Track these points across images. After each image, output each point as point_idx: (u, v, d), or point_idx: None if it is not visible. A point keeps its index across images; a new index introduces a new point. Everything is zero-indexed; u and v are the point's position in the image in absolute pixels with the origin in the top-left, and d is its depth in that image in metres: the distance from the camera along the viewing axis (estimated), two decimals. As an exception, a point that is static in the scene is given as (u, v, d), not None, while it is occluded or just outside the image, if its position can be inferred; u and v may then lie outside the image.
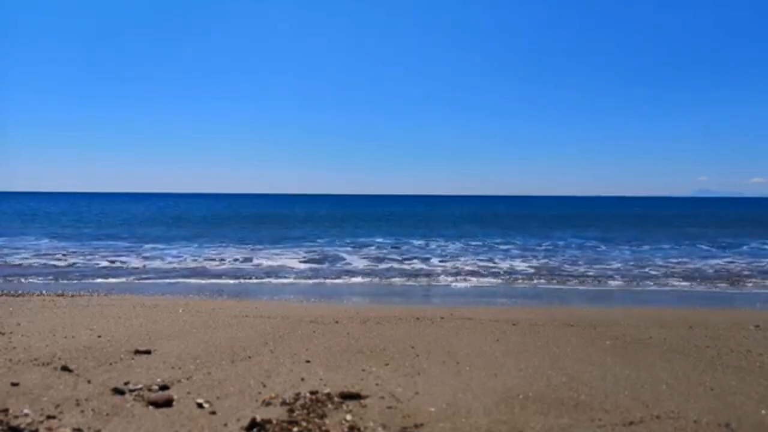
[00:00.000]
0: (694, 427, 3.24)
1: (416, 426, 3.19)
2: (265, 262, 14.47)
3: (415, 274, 12.51)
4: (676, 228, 31.76)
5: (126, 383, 3.84)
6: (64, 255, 15.82)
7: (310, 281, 11.21)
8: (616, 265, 14.57)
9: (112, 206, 63.77)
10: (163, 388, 3.77)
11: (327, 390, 3.78)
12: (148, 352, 4.75)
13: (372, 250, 17.56)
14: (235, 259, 15.11)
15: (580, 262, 14.91)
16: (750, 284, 11.14)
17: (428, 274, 12.34)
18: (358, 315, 6.92)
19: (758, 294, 10.06)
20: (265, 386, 3.87)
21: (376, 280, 11.57)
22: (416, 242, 21.33)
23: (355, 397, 3.65)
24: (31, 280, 11.07)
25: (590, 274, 12.74)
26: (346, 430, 3.10)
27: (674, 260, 15.55)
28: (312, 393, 3.69)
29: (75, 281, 10.99)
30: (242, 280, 11.23)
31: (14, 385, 3.72)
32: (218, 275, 12.16)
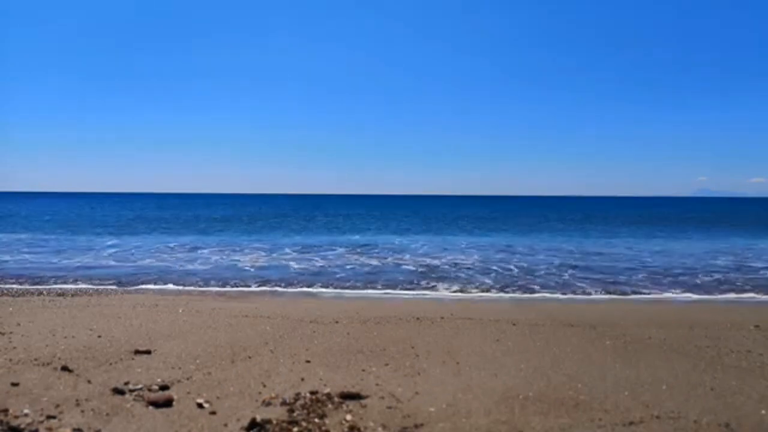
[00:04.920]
0: (694, 427, 3.24)
1: (416, 426, 3.19)
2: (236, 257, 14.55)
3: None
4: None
5: (126, 383, 3.84)
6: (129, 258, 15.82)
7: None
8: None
9: (116, 206, 63.75)
10: (163, 388, 3.77)
11: (327, 390, 3.78)
12: (148, 352, 4.75)
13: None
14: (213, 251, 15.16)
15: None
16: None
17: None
18: (358, 315, 6.92)
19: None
20: (265, 386, 3.88)
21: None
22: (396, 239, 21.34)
23: (355, 397, 3.65)
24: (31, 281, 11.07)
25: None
26: (346, 430, 3.10)
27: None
28: (312, 393, 3.70)
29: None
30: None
31: (14, 385, 3.72)
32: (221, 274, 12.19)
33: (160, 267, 13.31)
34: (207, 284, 10.75)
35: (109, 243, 19.35)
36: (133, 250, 17.05)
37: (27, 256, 15.14)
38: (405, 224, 34.06)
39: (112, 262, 14.06)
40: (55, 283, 10.55)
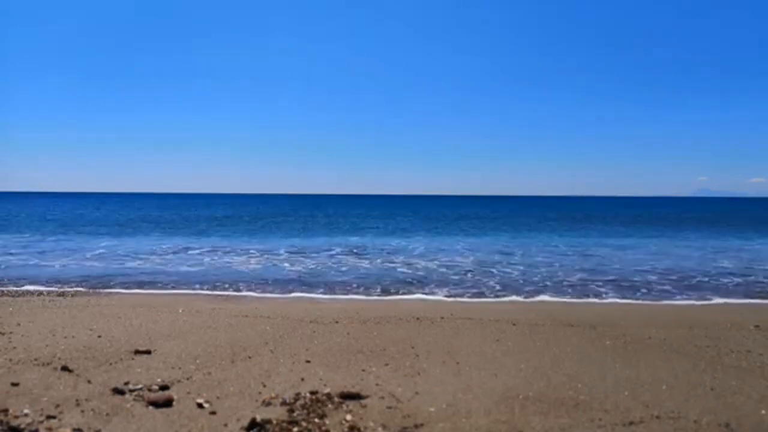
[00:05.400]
0: (694, 427, 3.24)
1: (416, 426, 3.19)
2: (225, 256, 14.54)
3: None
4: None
5: (126, 383, 3.84)
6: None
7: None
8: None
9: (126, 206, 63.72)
10: (163, 388, 3.77)
11: (327, 390, 3.78)
12: (148, 352, 4.75)
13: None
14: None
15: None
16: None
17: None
18: (358, 315, 6.93)
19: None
20: (265, 386, 3.88)
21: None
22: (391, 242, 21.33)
23: (355, 397, 3.65)
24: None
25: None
26: (346, 430, 3.10)
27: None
28: (312, 393, 3.70)
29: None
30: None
31: (14, 385, 3.73)
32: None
33: (145, 269, 13.02)
34: (191, 287, 10.45)
35: (103, 244, 19.18)
36: (119, 251, 16.92)
37: (10, 258, 14.92)
38: (404, 224, 34.07)
39: (95, 264, 13.79)
40: (19, 285, 10.12)
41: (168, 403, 3.46)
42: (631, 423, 3.28)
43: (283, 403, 3.50)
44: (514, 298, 9.58)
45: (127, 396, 3.59)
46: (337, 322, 6.42)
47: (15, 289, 9.57)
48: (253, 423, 3.11)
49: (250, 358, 4.68)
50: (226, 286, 10.58)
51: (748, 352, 5.12)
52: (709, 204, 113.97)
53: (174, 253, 16.77)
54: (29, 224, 30.07)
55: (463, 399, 3.68)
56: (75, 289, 9.73)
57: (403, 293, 10.00)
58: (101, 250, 17.02)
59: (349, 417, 3.28)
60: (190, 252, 16.99)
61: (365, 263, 14.61)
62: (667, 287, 10.72)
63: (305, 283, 11.14)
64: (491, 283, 11.30)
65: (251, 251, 17.36)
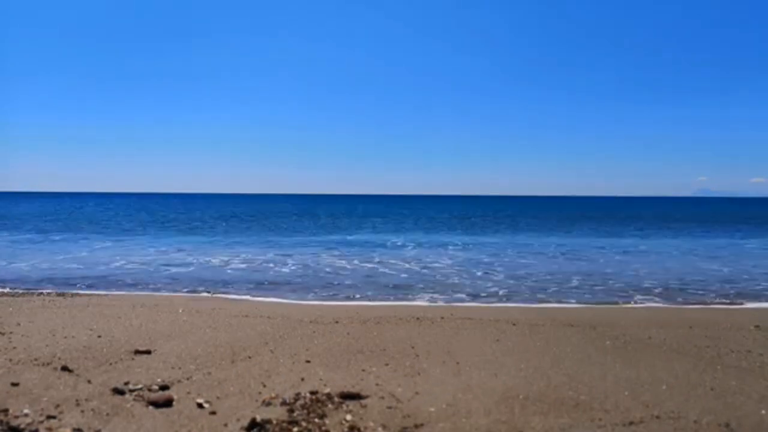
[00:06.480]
0: (694, 427, 3.24)
1: (416, 426, 3.19)
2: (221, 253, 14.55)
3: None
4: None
5: (126, 383, 3.84)
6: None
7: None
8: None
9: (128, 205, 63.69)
10: (163, 388, 3.77)
11: (327, 390, 3.78)
12: (148, 352, 4.75)
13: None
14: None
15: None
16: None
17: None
18: (358, 315, 6.93)
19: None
20: (265, 386, 3.88)
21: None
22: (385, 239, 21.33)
23: (355, 397, 3.65)
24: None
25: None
26: (346, 430, 3.10)
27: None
28: (312, 393, 3.70)
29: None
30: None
31: (14, 385, 3.72)
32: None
33: (138, 270, 12.86)
34: (168, 289, 10.37)
35: (98, 246, 19.09)
36: (113, 251, 16.87)
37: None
38: (404, 224, 34.07)
39: (74, 266, 13.53)
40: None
41: (168, 403, 3.46)
42: (631, 423, 3.28)
43: (283, 403, 3.50)
44: (513, 298, 9.58)
45: (127, 396, 3.59)
46: (337, 322, 6.42)
47: (15, 289, 9.57)
48: (253, 423, 3.11)
49: (250, 358, 4.68)
50: (221, 286, 10.58)
51: (748, 352, 5.12)
52: (709, 204, 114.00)
53: (171, 253, 16.75)
54: (25, 224, 30.05)
55: (463, 399, 3.68)
56: (40, 290, 9.72)
57: (403, 293, 9.99)
58: (85, 252, 16.87)
59: (349, 417, 3.28)
60: (188, 252, 16.99)
61: (364, 263, 14.61)
62: (666, 287, 10.72)
63: (305, 283, 11.14)
64: (490, 283, 11.30)
65: (251, 251, 17.35)
